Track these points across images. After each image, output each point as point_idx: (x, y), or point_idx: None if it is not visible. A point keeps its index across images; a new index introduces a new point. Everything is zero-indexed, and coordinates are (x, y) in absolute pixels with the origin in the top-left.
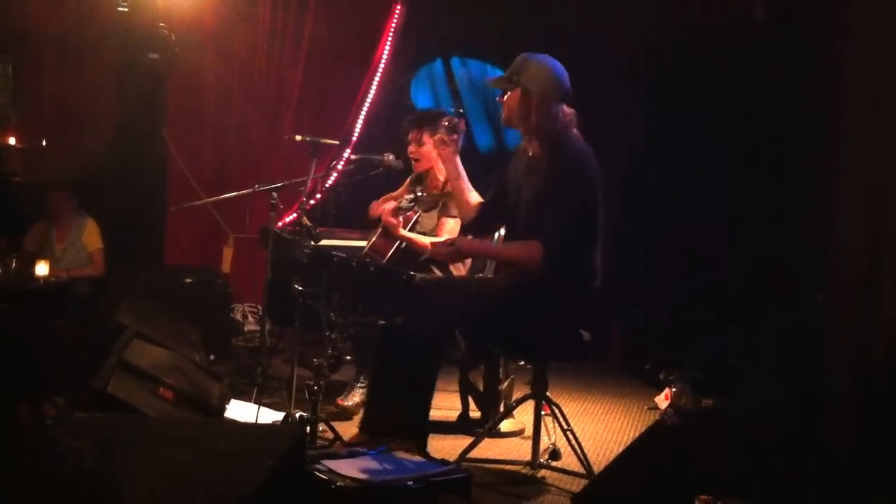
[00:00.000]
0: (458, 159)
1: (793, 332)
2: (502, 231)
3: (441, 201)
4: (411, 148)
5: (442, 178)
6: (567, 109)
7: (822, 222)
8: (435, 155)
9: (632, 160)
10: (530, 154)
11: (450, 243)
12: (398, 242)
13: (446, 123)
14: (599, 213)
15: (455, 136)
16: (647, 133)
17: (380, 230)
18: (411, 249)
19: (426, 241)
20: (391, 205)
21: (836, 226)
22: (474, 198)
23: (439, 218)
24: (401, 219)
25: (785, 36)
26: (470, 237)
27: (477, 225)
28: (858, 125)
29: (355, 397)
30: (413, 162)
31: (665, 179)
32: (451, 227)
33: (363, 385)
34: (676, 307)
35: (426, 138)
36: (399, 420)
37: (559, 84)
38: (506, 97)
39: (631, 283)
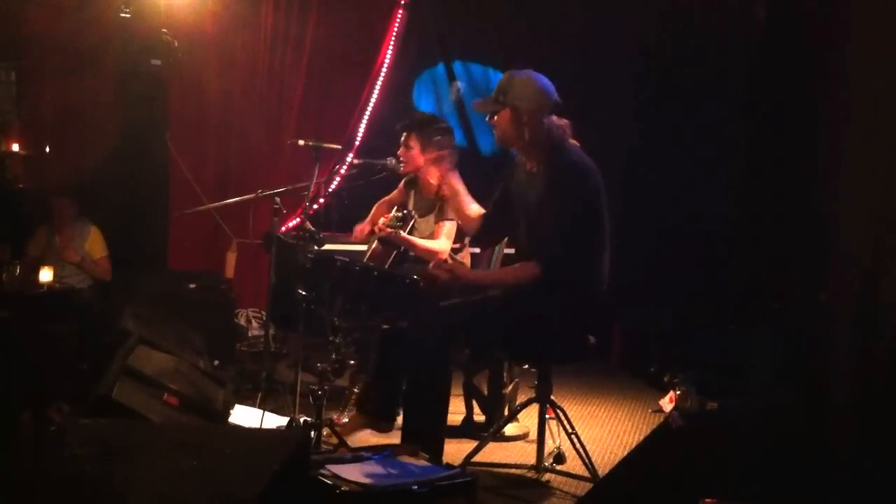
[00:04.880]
0: (455, 175)
1: (794, 332)
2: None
3: (437, 205)
4: (399, 150)
5: (434, 181)
6: (559, 121)
7: (822, 222)
8: (423, 161)
9: (632, 160)
10: (529, 168)
11: (448, 269)
12: (396, 250)
13: (437, 138)
14: (602, 219)
15: (445, 152)
16: (648, 133)
17: (377, 240)
18: (410, 256)
19: (428, 244)
20: (383, 220)
21: (837, 226)
22: (475, 210)
23: (436, 222)
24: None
25: (785, 35)
26: (471, 249)
27: (482, 237)
28: (859, 125)
29: (352, 413)
30: (401, 164)
31: (665, 180)
32: (447, 230)
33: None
34: (678, 308)
35: (413, 142)
36: (408, 428)
37: (546, 97)
38: (496, 118)
39: (632, 284)
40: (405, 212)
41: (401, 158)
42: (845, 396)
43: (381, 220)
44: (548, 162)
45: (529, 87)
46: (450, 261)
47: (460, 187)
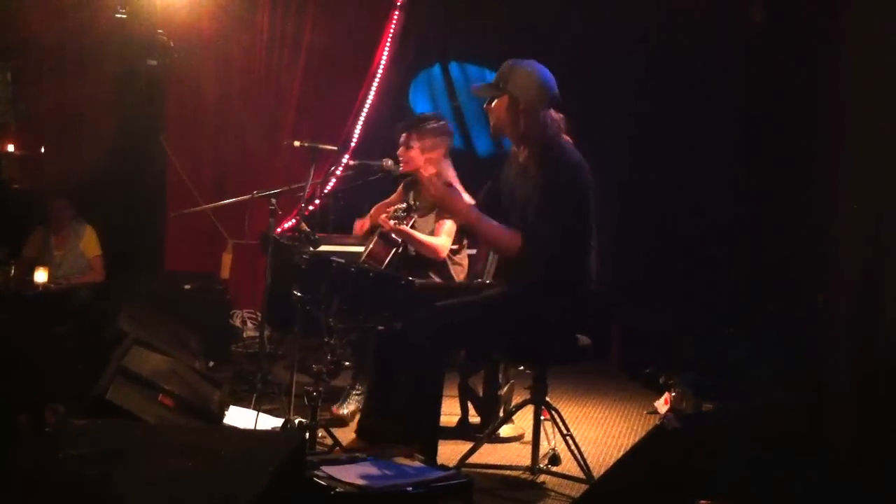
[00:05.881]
0: (445, 164)
1: (793, 333)
2: None
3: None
4: (399, 150)
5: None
6: (556, 115)
7: (821, 223)
8: (423, 160)
9: (631, 161)
10: (521, 160)
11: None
12: (395, 249)
13: (437, 137)
14: (591, 219)
15: (438, 139)
16: (648, 134)
17: (376, 237)
18: (408, 256)
19: (428, 239)
20: (386, 214)
21: (836, 227)
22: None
23: (437, 220)
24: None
25: (783, 37)
26: (469, 251)
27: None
28: (858, 126)
29: (350, 405)
30: (400, 164)
31: (665, 181)
32: (448, 228)
33: (359, 392)
34: (677, 309)
35: (414, 142)
36: (406, 429)
37: (546, 90)
38: (493, 105)
39: (632, 285)
40: (408, 203)
41: (400, 158)
42: (845, 397)
43: (384, 215)
44: (540, 158)
45: (531, 77)
46: (448, 262)
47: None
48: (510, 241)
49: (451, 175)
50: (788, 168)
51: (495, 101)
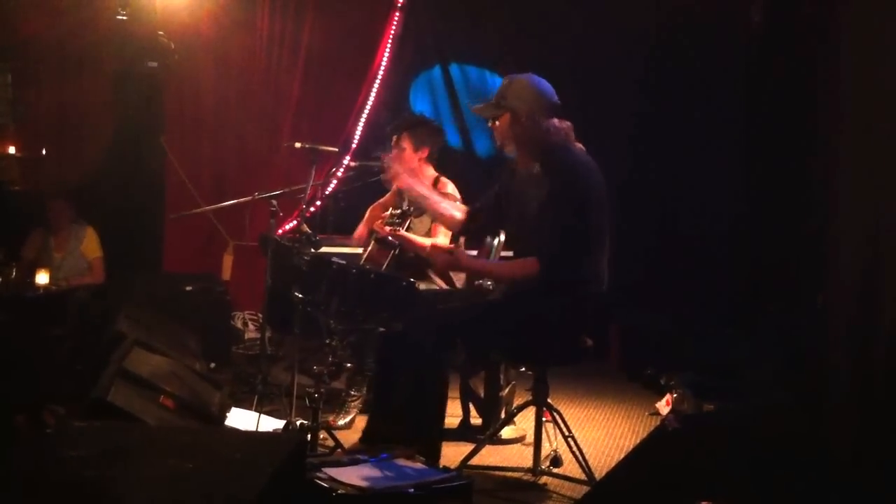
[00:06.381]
0: (426, 166)
1: (793, 333)
2: (502, 236)
3: None
4: (392, 153)
5: (428, 182)
6: (560, 123)
7: (821, 223)
8: (415, 161)
9: (631, 162)
10: (534, 171)
11: (449, 252)
12: (393, 251)
13: (427, 137)
14: (602, 220)
15: (428, 139)
16: (647, 134)
17: (373, 242)
18: (407, 259)
19: (427, 241)
20: (381, 220)
21: (836, 227)
22: (447, 208)
23: (433, 221)
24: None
25: (783, 37)
26: (467, 252)
27: (467, 231)
28: (858, 126)
29: (350, 413)
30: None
31: (665, 181)
32: (444, 228)
33: (354, 398)
34: (677, 309)
35: (405, 143)
36: (406, 430)
37: (545, 99)
38: (497, 123)
39: (632, 285)
40: (403, 209)
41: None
42: (845, 397)
43: (378, 222)
44: (548, 162)
45: (527, 89)
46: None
47: (425, 190)
48: (525, 268)
49: (431, 176)
50: (788, 168)
51: (498, 119)
